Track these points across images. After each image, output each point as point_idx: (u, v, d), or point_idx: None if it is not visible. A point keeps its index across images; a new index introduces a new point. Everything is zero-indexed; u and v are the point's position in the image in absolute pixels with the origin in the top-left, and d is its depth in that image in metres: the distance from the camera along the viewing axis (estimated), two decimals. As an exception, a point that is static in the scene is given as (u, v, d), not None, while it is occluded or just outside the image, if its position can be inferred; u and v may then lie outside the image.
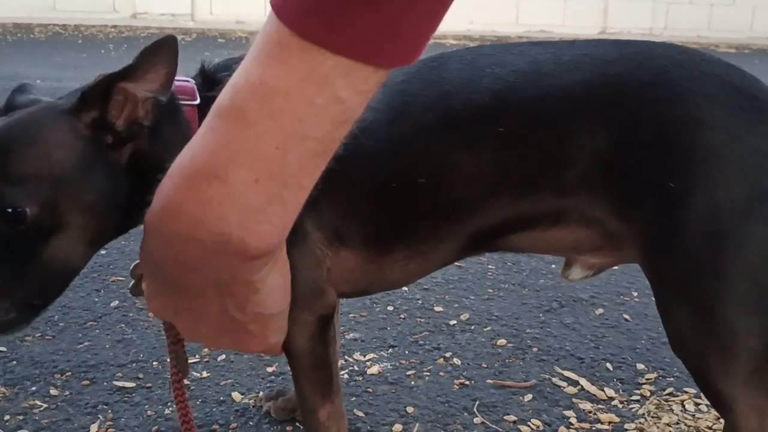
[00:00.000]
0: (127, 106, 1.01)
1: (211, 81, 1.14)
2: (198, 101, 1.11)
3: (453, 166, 1.08)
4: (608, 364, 1.76)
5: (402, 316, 2.00)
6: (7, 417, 1.50)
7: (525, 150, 1.05)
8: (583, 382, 1.68)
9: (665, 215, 0.99)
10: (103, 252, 2.36)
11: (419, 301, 2.08)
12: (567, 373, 1.72)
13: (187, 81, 1.14)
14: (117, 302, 2.03)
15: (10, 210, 0.93)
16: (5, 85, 5.15)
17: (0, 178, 0.93)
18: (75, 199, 0.97)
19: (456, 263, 1.50)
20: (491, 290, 2.18)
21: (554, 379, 1.69)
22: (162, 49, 0.99)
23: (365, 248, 1.14)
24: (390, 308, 2.03)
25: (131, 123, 1.01)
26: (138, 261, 1.26)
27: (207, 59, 1.18)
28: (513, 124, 1.05)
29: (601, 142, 1.02)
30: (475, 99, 1.07)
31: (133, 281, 1.25)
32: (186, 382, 1.62)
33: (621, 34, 10.32)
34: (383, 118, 1.09)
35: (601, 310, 2.06)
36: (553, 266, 2.34)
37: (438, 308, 2.05)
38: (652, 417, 1.56)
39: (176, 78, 1.11)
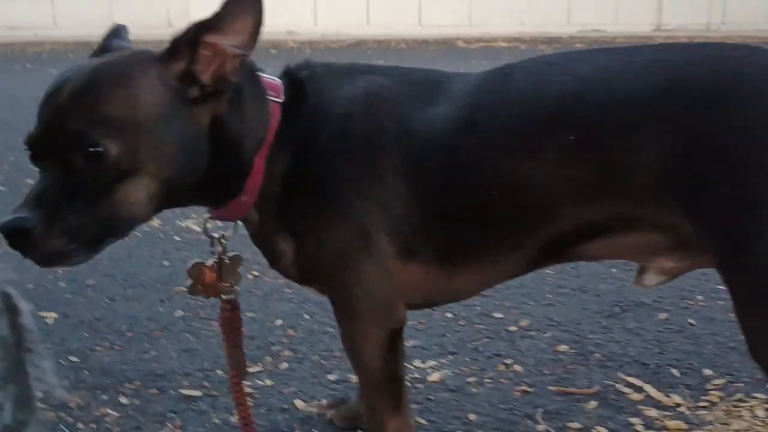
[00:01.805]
0: (214, 61, 1.03)
1: (294, 79, 1.17)
2: (283, 99, 1.14)
3: (522, 175, 1.08)
4: (674, 370, 1.73)
5: (461, 322, 1.99)
6: (80, 425, 1.54)
7: (594, 157, 1.05)
8: (648, 388, 1.65)
9: (744, 219, 0.97)
10: (166, 263, 2.42)
11: (478, 308, 2.08)
12: (631, 380, 1.69)
13: (277, 80, 1.17)
14: (181, 312, 2.08)
15: (92, 149, 0.97)
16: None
17: (87, 116, 0.98)
18: (154, 147, 1.01)
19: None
20: (550, 295, 2.16)
21: (618, 386, 1.66)
22: (245, 4, 1.01)
23: (436, 261, 1.15)
24: (449, 315, 2.03)
25: (218, 78, 1.04)
26: (195, 261, 1.29)
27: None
28: (581, 132, 1.05)
29: (674, 147, 1.00)
30: (542, 108, 1.07)
31: (191, 281, 1.28)
32: (249, 390, 1.65)
33: (676, 30, 10.10)
34: (452, 130, 1.10)
35: (665, 315, 2.02)
36: (614, 270, 2.30)
37: (497, 314, 2.04)
38: (722, 424, 1.52)
39: (266, 75, 1.14)
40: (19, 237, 0.97)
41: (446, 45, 8.93)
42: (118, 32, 1.21)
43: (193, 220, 2.82)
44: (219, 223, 1.25)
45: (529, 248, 1.13)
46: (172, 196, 1.06)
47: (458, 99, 1.11)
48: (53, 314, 2.06)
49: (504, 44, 9.01)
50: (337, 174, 1.12)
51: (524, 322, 1.99)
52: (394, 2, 9.76)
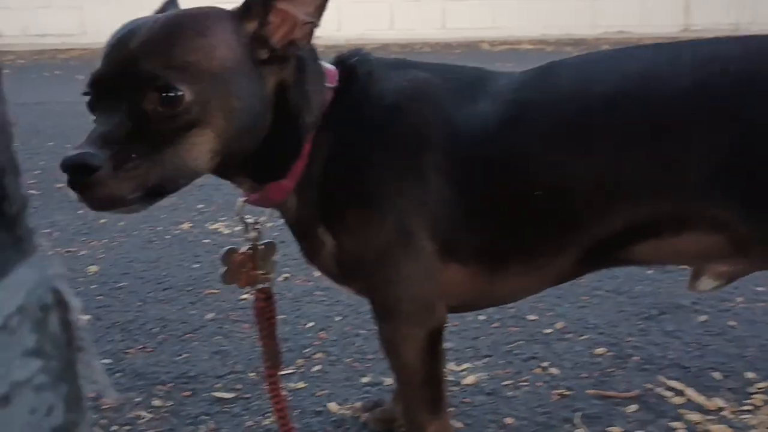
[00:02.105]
0: (284, 26, 1.04)
1: (345, 65, 1.17)
2: (336, 84, 1.14)
3: (568, 174, 1.05)
4: (715, 373, 1.69)
5: (495, 325, 1.96)
6: (114, 427, 1.54)
7: (643, 155, 1.02)
8: (689, 392, 1.61)
9: None
10: (196, 265, 2.42)
11: (511, 310, 2.04)
12: (672, 383, 1.65)
13: (332, 66, 1.16)
14: (213, 314, 2.07)
15: (167, 92, 0.96)
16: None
17: (164, 60, 0.97)
18: (224, 99, 1.00)
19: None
20: (585, 297, 2.12)
21: (658, 389, 1.63)
22: None
23: (477, 262, 1.12)
24: (482, 317, 2.00)
25: (288, 43, 1.04)
26: (229, 247, 1.28)
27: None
28: (629, 130, 1.02)
29: (727, 143, 0.97)
30: (589, 106, 1.05)
31: (225, 268, 1.26)
32: (283, 392, 1.63)
33: (704, 31, 9.98)
34: (495, 128, 1.07)
35: (704, 317, 1.97)
36: (650, 272, 2.26)
37: (531, 317, 2.01)
38: (767, 428, 1.48)
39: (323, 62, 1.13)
40: (82, 174, 0.94)
41: (470, 48, 8.90)
42: (174, 3, 1.21)
43: (222, 222, 2.82)
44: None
45: (575, 251, 1.10)
46: (227, 159, 1.05)
47: (502, 96, 1.09)
48: (86, 316, 2.06)
49: (529, 46, 8.96)
50: (380, 168, 1.10)
51: (560, 325, 1.96)
52: (418, 6, 9.75)
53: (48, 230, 2.81)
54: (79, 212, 3.00)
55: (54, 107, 5.14)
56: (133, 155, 0.95)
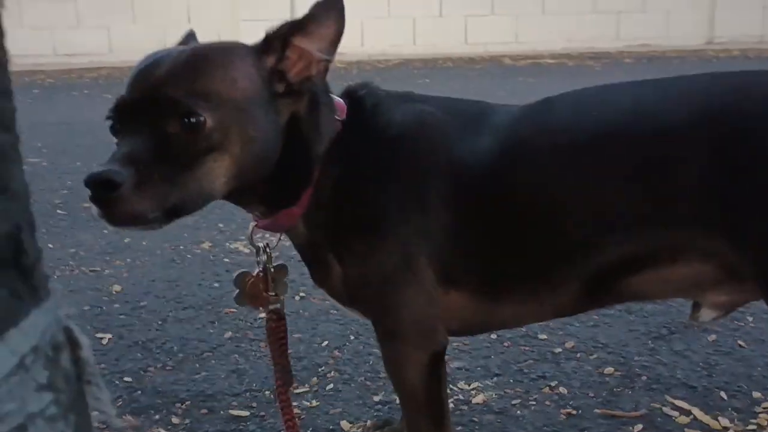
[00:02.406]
0: (300, 62, 1.11)
1: (353, 98, 1.23)
2: (344, 117, 1.20)
3: (564, 206, 1.10)
4: (722, 393, 1.71)
5: (506, 344, 2.00)
6: (134, 444, 1.60)
7: (634, 187, 1.06)
8: (695, 411, 1.64)
9: None
10: (216, 284, 2.48)
11: (522, 329, 2.08)
12: (679, 403, 1.67)
13: (340, 99, 1.23)
14: (231, 333, 2.13)
15: (190, 118, 1.02)
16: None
17: (190, 88, 1.04)
18: (242, 128, 1.06)
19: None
20: (596, 317, 2.15)
21: (665, 409, 1.65)
22: (333, 7, 1.09)
23: (477, 289, 1.17)
24: (493, 336, 2.04)
25: (304, 78, 1.11)
26: (241, 270, 1.34)
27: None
28: (620, 163, 1.07)
29: (712, 175, 1.01)
30: (582, 140, 1.09)
31: (238, 290, 1.32)
32: (296, 411, 1.68)
33: (729, 43, 9.94)
34: (494, 162, 1.13)
35: (713, 337, 2.00)
36: (661, 291, 2.28)
37: (542, 336, 2.04)
38: (772, 449, 1.50)
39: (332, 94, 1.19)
40: (105, 189, 0.98)
41: (493, 62, 8.94)
42: (193, 36, 1.29)
43: (242, 242, 2.89)
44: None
45: (573, 283, 1.14)
46: (241, 185, 1.10)
47: (501, 131, 1.14)
48: (108, 335, 2.14)
49: (551, 61, 8.98)
50: (384, 198, 1.16)
51: (570, 344, 1.99)
52: (440, 21, 9.82)
53: (73, 249, 2.90)
54: (104, 232, 3.08)
55: (82, 126, 5.26)
56: (155, 176, 1.00)
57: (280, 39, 1.10)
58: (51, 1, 8.93)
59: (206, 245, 2.89)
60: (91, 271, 2.68)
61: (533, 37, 9.90)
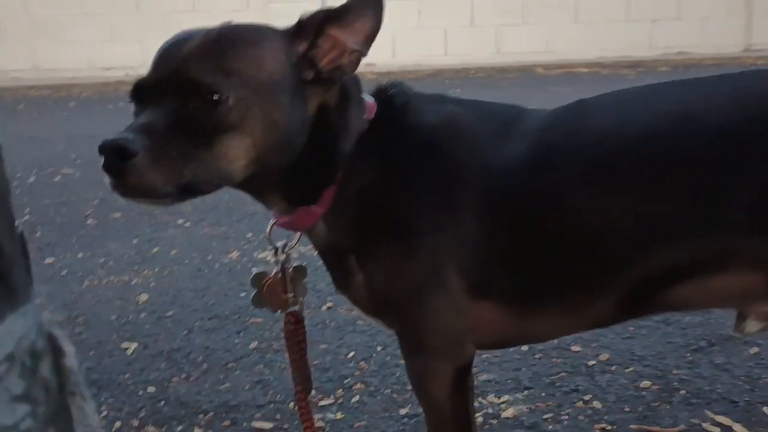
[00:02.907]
0: (334, 51, 1.07)
1: (383, 97, 1.18)
2: (372, 117, 1.15)
3: (604, 215, 1.04)
4: (765, 408, 1.63)
5: (537, 356, 1.94)
6: (155, 456, 1.57)
7: (679, 195, 1.00)
8: (737, 427, 1.56)
9: None
10: (242, 294, 2.45)
11: (555, 341, 2.01)
12: (719, 418, 1.60)
13: (371, 98, 1.18)
14: (256, 343, 2.10)
15: (213, 95, 0.99)
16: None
17: (214, 65, 1.01)
18: (264, 110, 1.03)
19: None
20: (632, 328, 2.08)
21: (705, 424, 1.58)
22: (372, 2, 1.05)
23: (508, 301, 1.11)
24: (524, 348, 1.98)
25: (334, 68, 1.07)
26: (259, 271, 1.29)
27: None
28: (663, 170, 1.00)
29: (764, 180, 0.95)
30: (623, 146, 1.03)
31: (255, 291, 1.28)
32: (320, 424, 1.64)
33: (767, 50, 9.73)
34: (526, 169, 1.07)
35: (755, 349, 1.91)
36: (700, 301, 2.20)
37: (575, 348, 1.98)
38: (820, 468, 1.42)
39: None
40: (118, 157, 0.95)
41: (525, 72, 8.86)
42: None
43: (269, 251, 2.86)
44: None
45: (612, 294, 1.08)
46: (260, 170, 1.07)
47: (532, 136, 1.09)
48: (134, 344, 2.12)
49: (584, 70, 8.87)
50: (412, 204, 1.11)
51: (604, 356, 1.92)
52: (472, 32, 9.78)
53: (103, 259, 2.90)
54: (133, 242, 3.09)
55: (115, 138, 5.30)
56: (171, 149, 0.98)
57: (314, 26, 1.07)
58: (87, 16, 9.07)
59: (234, 255, 2.87)
60: (119, 280, 2.67)
61: (566, 46, 9.80)
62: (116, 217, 3.44)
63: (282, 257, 1.25)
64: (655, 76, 7.87)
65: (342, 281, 1.21)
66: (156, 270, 2.76)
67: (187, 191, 1.01)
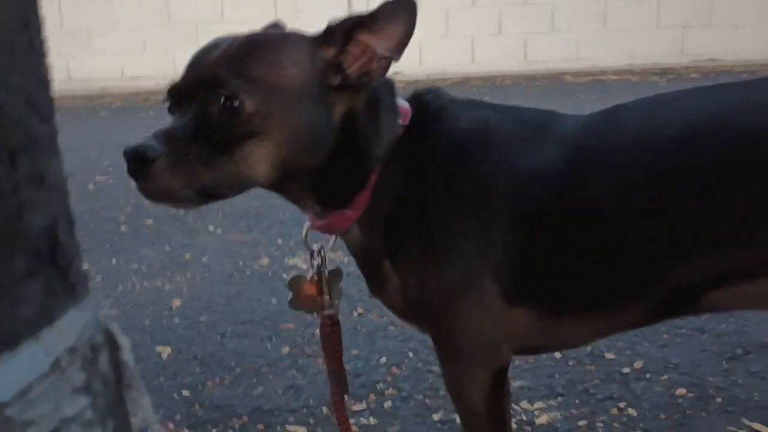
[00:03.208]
0: (362, 57, 1.08)
1: (419, 102, 1.19)
2: (407, 123, 1.16)
3: (642, 220, 1.02)
4: (805, 418, 1.60)
5: (570, 363, 1.93)
6: (190, 459, 1.58)
7: (720, 198, 0.97)
8: (776, 436, 1.54)
9: None
10: (274, 300, 2.47)
11: (588, 348, 2.00)
12: (757, 426, 1.57)
13: (406, 103, 1.18)
14: (288, 348, 2.11)
15: (233, 101, 1.01)
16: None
17: (236, 71, 1.03)
18: (285, 116, 1.04)
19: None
20: (666, 336, 2.06)
21: (743, 433, 1.56)
22: (404, 8, 1.05)
23: (543, 306, 1.11)
24: (557, 355, 1.97)
25: (362, 74, 1.08)
26: (296, 274, 1.30)
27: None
28: (701, 175, 0.98)
29: None
30: (662, 151, 1.02)
31: (292, 294, 1.29)
32: (354, 429, 1.64)
33: (801, 56, 9.58)
34: (560, 175, 1.06)
35: (793, 357, 1.88)
36: (736, 309, 2.17)
37: (609, 355, 1.96)
38: None
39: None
40: (140, 163, 0.99)
41: (552, 80, 8.82)
42: (277, 26, 1.27)
43: (300, 257, 2.88)
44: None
45: (651, 298, 1.07)
46: (285, 175, 1.08)
47: (566, 141, 1.08)
48: (168, 349, 2.14)
49: (614, 77, 8.81)
50: (446, 210, 1.11)
51: (638, 364, 1.90)
52: (499, 39, 9.76)
53: (136, 265, 2.93)
54: (166, 248, 3.12)
55: (146, 147, 5.37)
56: (190, 155, 1.00)
57: (343, 32, 1.08)
58: (119, 29, 9.21)
59: (265, 261, 2.89)
60: (152, 286, 2.70)
61: (595, 53, 9.74)
62: (149, 223, 3.48)
63: (317, 260, 1.26)
64: (685, 83, 7.79)
65: (377, 285, 1.21)
66: (188, 276, 2.79)
67: (208, 195, 1.03)
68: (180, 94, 1.06)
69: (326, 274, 1.27)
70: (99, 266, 2.95)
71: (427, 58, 9.51)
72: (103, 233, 3.39)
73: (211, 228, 3.35)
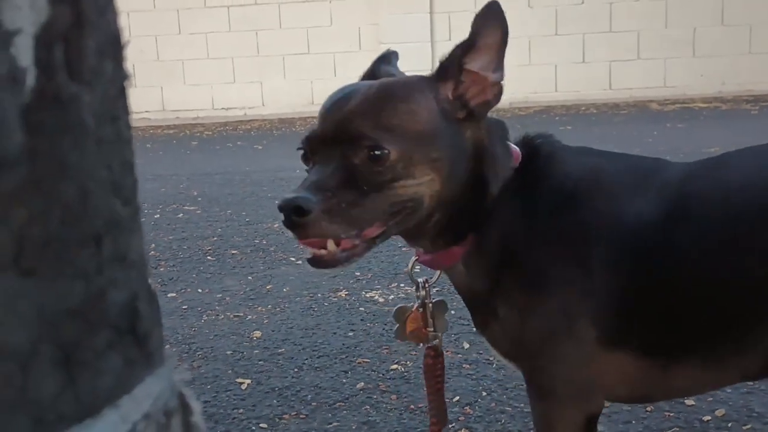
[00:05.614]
0: (476, 86, 1.14)
1: (529, 146, 1.23)
2: (517, 165, 1.20)
3: (747, 272, 1.03)
4: None
5: (648, 409, 1.88)
6: (265, 492, 1.63)
7: None
8: None
9: None
10: (350, 333, 2.51)
11: (667, 393, 1.95)
12: None
13: (516, 147, 1.23)
14: (363, 384, 2.14)
15: (377, 151, 1.08)
16: (272, 176, 5.61)
17: (375, 122, 1.10)
18: (425, 156, 1.11)
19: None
20: (751, 383, 1.98)
21: (831, 491, 1.49)
22: (492, 11, 1.12)
23: (647, 354, 1.12)
24: (635, 399, 1.93)
25: (481, 102, 1.15)
26: (401, 305, 1.35)
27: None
28: None
29: None
30: (765, 198, 1.03)
31: (398, 325, 1.34)
32: (425, 468, 1.65)
33: None
34: (663, 222, 1.08)
35: None
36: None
37: (689, 402, 1.91)
38: None
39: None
40: (296, 215, 1.05)
41: (638, 108, 8.65)
42: (388, 58, 1.34)
43: (377, 291, 2.92)
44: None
45: (761, 348, 1.06)
46: (443, 202, 1.14)
47: (671, 189, 1.10)
48: (247, 380, 2.21)
49: (703, 105, 8.57)
50: (549, 253, 1.15)
51: (720, 412, 1.84)
52: (583, 67, 9.65)
53: (220, 295, 3.03)
54: (248, 278, 3.22)
55: (234, 177, 5.56)
56: (342, 203, 1.06)
57: (454, 64, 1.14)
58: (210, 60, 9.58)
59: (343, 294, 2.94)
60: (234, 316, 2.79)
61: (683, 80, 9.51)
62: (233, 253, 3.59)
63: (422, 292, 1.32)
64: (780, 112, 7.50)
65: (481, 322, 1.25)
66: (269, 307, 2.87)
67: (375, 238, 1.11)
68: (320, 142, 1.14)
69: (431, 306, 1.32)
70: (185, 295, 3.06)
71: (509, 86, 9.47)
72: (190, 262, 3.52)
73: (293, 258, 3.43)
